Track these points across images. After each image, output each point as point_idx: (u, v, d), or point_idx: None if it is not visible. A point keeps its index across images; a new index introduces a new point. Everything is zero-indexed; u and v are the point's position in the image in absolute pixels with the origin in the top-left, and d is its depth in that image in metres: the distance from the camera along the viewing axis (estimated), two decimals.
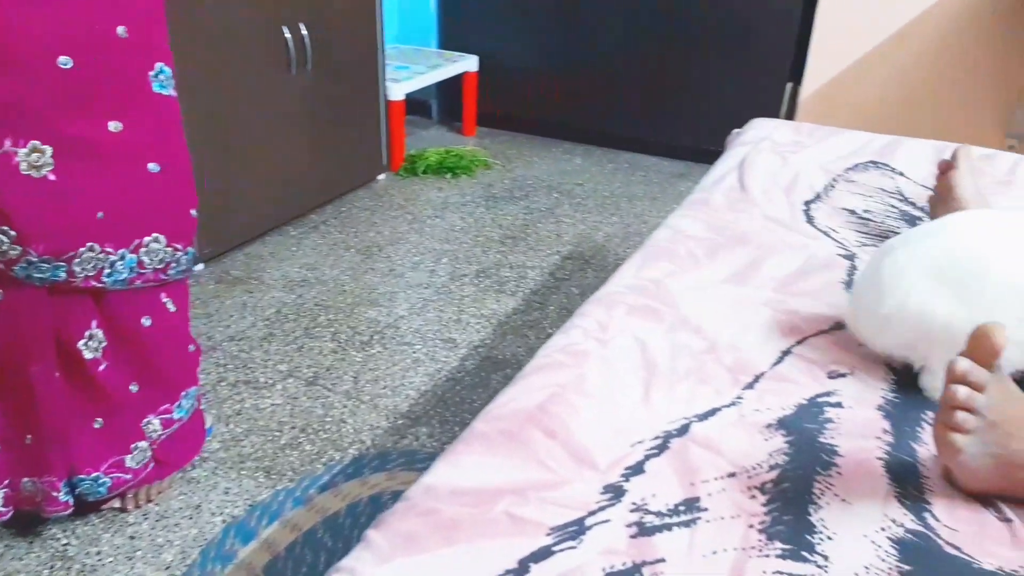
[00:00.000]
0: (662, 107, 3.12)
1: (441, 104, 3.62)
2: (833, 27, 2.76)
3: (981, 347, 0.79)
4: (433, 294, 2.19)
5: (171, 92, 1.31)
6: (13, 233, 1.13)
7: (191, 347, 1.49)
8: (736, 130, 1.96)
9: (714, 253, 1.34)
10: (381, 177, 2.95)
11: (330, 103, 2.58)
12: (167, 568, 1.33)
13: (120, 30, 1.19)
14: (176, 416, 1.45)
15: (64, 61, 1.12)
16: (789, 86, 2.94)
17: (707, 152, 3.07)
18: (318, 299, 2.15)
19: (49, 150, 1.14)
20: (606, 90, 3.19)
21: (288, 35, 2.32)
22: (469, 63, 3.28)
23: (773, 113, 2.90)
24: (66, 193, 1.17)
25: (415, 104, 3.57)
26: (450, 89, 3.41)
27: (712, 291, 1.23)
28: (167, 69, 1.29)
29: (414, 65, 3.15)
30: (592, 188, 2.91)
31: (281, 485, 1.50)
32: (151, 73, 1.26)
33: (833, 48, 2.79)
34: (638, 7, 3.02)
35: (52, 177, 1.15)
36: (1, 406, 1.26)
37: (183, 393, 1.46)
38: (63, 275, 1.21)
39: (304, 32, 2.36)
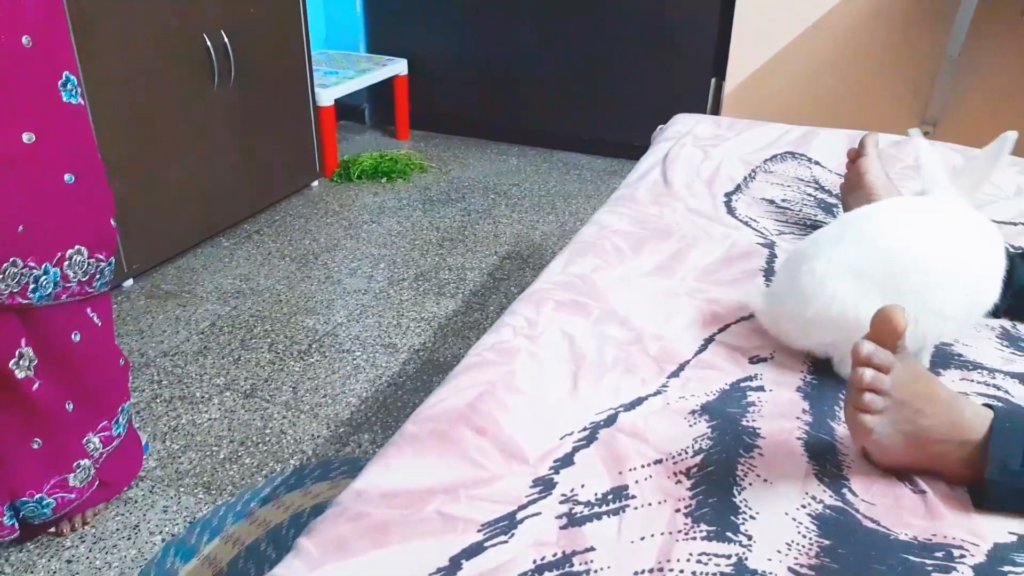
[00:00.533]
0: (592, 105, 3.17)
1: (373, 108, 3.60)
2: (752, 21, 2.85)
3: (883, 330, 0.83)
4: (372, 300, 2.18)
5: (80, 100, 1.28)
6: None
7: (121, 361, 1.46)
8: (660, 126, 2.00)
9: (639, 247, 1.37)
10: (315, 184, 2.93)
11: (258, 110, 2.54)
12: None
13: (24, 39, 1.16)
14: (115, 432, 1.42)
15: None
16: (713, 81, 3.01)
17: (638, 148, 3.12)
18: (253, 310, 2.12)
19: None
20: (537, 90, 3.22)
21: (209, 43, 2.28)
22: (399, 66, 3.27)
23: (699, 108, 2.97)
24: None
25: (347, 109, 3.55)
26: (382, 93, 3.40)
27: (637, 284, 1.26)
28: (74, 78, 1.27)
29: (343, 70, 3.13)
30: (528, 188, 2.94)
31: (221, 500, 1.48)
32: (59, 82, 1.24)
33: (753, 42, 2.88)
34: (562, 6, 3.06)
35: None
36: None
37: (119, 408, 1.44)
38: None
39: (226, 40, 2.33)
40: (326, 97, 2.86)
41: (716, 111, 3.04)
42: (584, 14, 3.04)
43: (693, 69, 2.99)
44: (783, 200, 1.55)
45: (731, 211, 1.50)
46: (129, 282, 2.21)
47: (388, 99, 3.38)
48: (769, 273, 1.29)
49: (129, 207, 2.07)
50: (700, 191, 1.58)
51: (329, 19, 3.50)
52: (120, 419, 1.44)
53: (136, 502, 1.48)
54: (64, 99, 1.24)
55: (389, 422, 1.70)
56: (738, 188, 1.60)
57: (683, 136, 1.82)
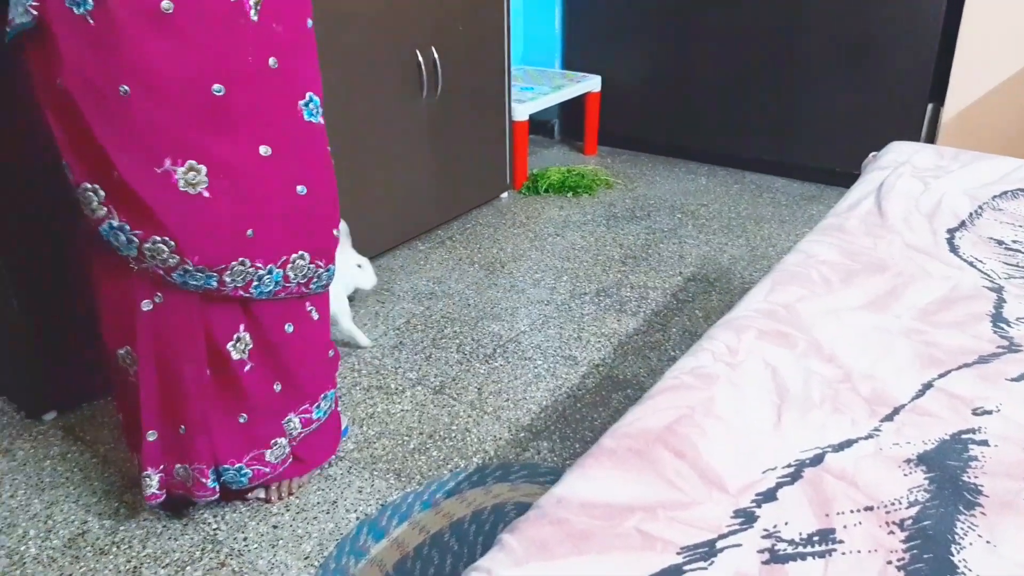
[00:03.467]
0: (791, 127, 3.05)
1: (563, 123, 3.67)
2: (978, 45, 2.62)
3: None
4: (554, 311, 2.23)
5: (319, 120, 1.40)
6: (173, 243, 1.25)
7: (330, 352, 1.59)
8: (873, 153, 1.90)
9: (849, 279, 1.31)
10: (504, 195, 3.03)
11: (457, 123, 2.68)
12: (306, 558, 1.42)
13: (271, 62, 1.29)
14: (315, 416, 1.55)
15: (217, 89, 1.23)
16: (930, 107, 2.81)
17: (839, 174, 2.97)
18: (444, 311, 2.23)
19: (204, 169, 1.25)
20: (732, 109, 3.15)
21: (420, 59, 2.43)
22: (592, 83, 3.32)
23: (912, 135, 2.77)
24: (219, 210, 1.28)
25: (537, 124, 3.65)
26: (572, 109, 3.46)
27: (847, 318, 1.21)
28: (316, 99, 1.39)
29: (538, 86, 3.22)
30: (717, 209, 2.88)
31: (410, 487, 1.57)
32: (301, 102, 1.36)
33: (978, 68, 2.65)
34: (766, 24, 2.97)
35: (206, 194, 1.26)
36: (159, 398, 1.39)
37: (322, 395, 1.56)
38: (215, 284, 1.32)
39: (435, 56, 2.47)
40: (521, 112, 2.96)
41: (931, 139, 2.83)
42: (783, 33, 2.94)
43: (907, 93, 2.79)
44: (1014, 241, 1.43)
45: (954, 249, 1.40)
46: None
47: (578, 115, 3.44)
48: (997, 319, 1.19)
49: (340, 209, 2.24)
50: (919, 225, 1.48)
51: (528, 36, 3.62)
52: (322, 404, 1.56)
53: (335, 480, 1.61)
54: (305, 118, 1.37)
55: (568, 432, 1.73)
56: (962, 225, 1.48)
57: (900, 165, 1.72)
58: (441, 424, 1.76)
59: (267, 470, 1.49)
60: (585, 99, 3.34)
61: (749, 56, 3.04)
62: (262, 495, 1.55)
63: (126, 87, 1.16)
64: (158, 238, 1.24)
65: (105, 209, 1.24)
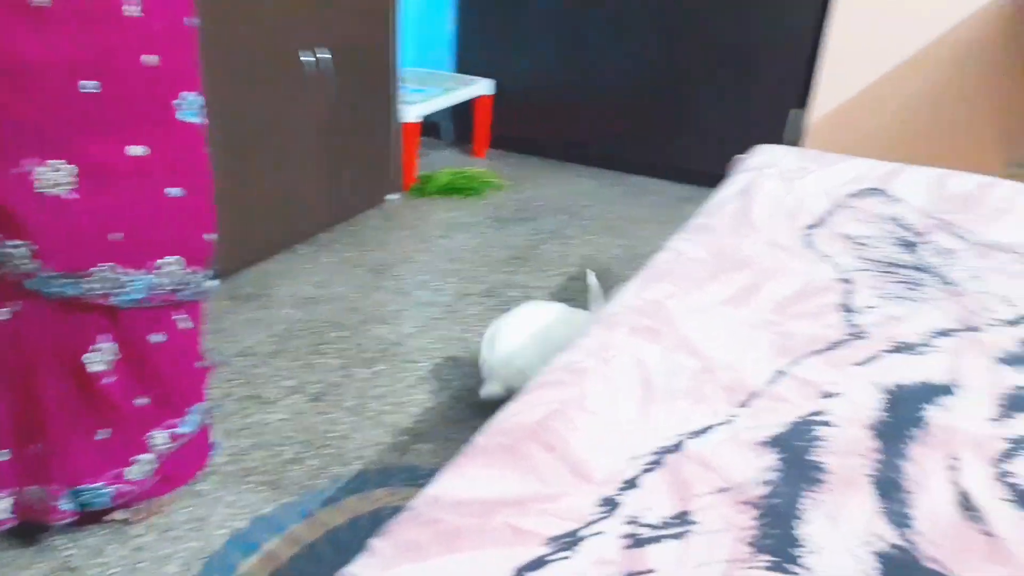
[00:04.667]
0: (670, 131, 3.17)
1: (455, 126, 3.67)
2: (841, 54, 2.80)
3: None
4: (440, 312, 2.22)
5: (197, 120, 1.34)
6: (33, 247, 1.17)
7: (201, 364, 1.52)
8: (739, 156, 1.99)
9: (715, 276, 1.37)
10: (392, 197, 3.00)
11: (344, 125, 2.63)
12: None
13: (146, 58, 1.23)
14: (182, 431, 1.47)
15: (87, 85, 1.16)
16: (797, 112, 2.98)
17: (714, 176, 3.09)
18: (327, 316, 2.18)
19: (72, 170, 1.18)
20: (615, 114, 3.24)
21: (307, 60, 2.37)
22: (484, 86, 3.33)
23: (779, 139, 2.93)
24: (85, 212, 1.21)
25: (429, 126, 3.63)
26: (463, 111, 3.46)
27: (711, 313, 1.26)
28: (196, 98, 1.33)
29: (429, 88, 3.20)
30: (599, 211, 2.95)
31: (285, 499, 1.52)
32: (177, 101, 1.30)
33: (841, 75, 2.83)
34: (648, 33, 3.07)
35: (72, 196, 1.19)
36: (11, 415, 1.29)
37: (190, 408, 1.48)
38: (73, 291, 1.24)
39: (323, 56, 2.42)
40: (411, 114, 2.94)
41: (798, 143, 3.00)
42: (664, 41, 3.05)
43: (776, 99, 2.96)
44: (863, 236, 1.52)
45: (810, 245, 1.49)
46: (213, 283, 2.30)
47: (469, 117, 3.45)
48: (846, 309, 1.27)
49: (219, 212, 2.15)
50: (781, 223, 1.56)
51: (421, 38, 3.59)
52: (190, 418, 1.48)
53: (204, 496, 1.53)
54: (178, 117, 1.31)
55: (450, 434, 1.72)
56: (819, 222, 1.58)
57: (766, 167, 1.81)
58: (319, 432, 1.72)
59: (130, 488, 1.41)
60: (476, 102, 3.35)
61: (632, 64, 3.14)
62: (121, 516, 1.46)
63: None
64: (13, 242, 1.16)
65: None
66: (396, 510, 1.44)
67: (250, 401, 1.82)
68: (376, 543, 0.83)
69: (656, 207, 3.00)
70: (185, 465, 1.51)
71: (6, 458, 1.30)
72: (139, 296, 1.31)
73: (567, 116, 3.36)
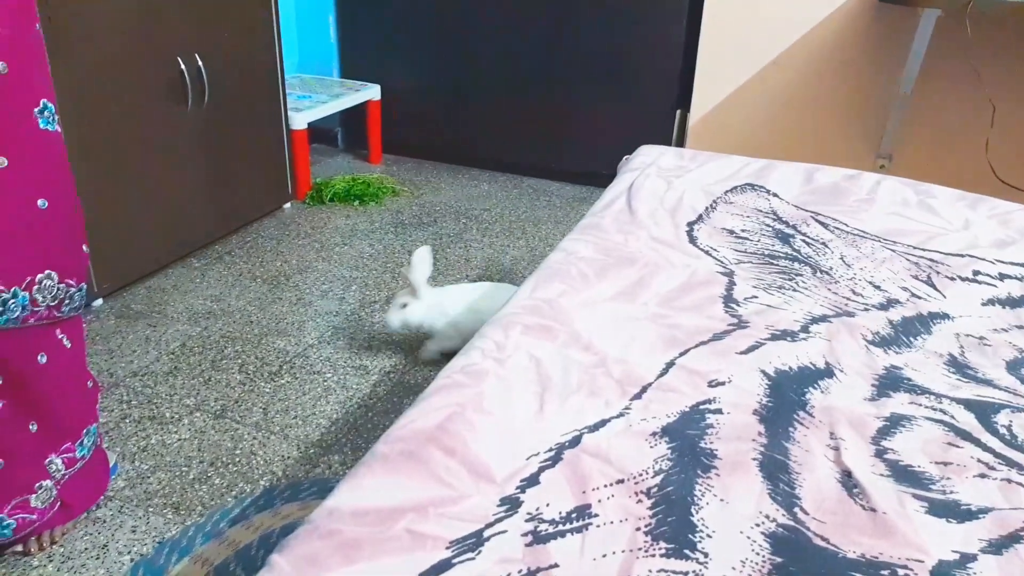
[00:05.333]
0: (561, 134, 3.24)
1: (346, 132, 3.64)
2: (715, 56, 2.94)
3: None
4: (343, 321, 2.20)
5: (56, 128, 1.30)
6: None
7: (89, 383, 1.46)
8: (626, 156, 2.07)
9: (604, 273, 1.42)
10: (287, 206, 2.95)
11: (231, 133, 2.56)
12: None
13: (0, 67, 1.18)
14: (79, 454, 1.42)
15: None
16: (678, 113, 3.10)
17: (605, 177, 3.19)
18: (224, 331, 2.13)
19: None
20: (506, 118, 3.29)
21: (183, 67, 2.30)
22: (371, 92, 3.32)
23: (665, 140, 3.05)
24: None
25: (320, 133, 3.58)
26: (355, 118, 3.43)
27: (601, 308, 1.31)
28: (51, 105, 1.28)
29: (316, 94, 3.16)
30: (498, 213, 2.99)
31: (191, 520, 1.48)
32: (36, 109, 1.25)
33: (716, 76, 2.98)
34: (533, 38, 3.13)
35: None
36: None
37: (84, 430, 1.43)
38: None
39: (200, 63, 2.35)
40: (299, 120, 2.89)
41: (681, 143, 3.13)
42: (551, 47, 3.12)
43: (658, 101, 3.07)
44: (742, 230, 1.62)
45: (693, 240, 1.56)
46: (99, 302, 2.21)
47: (361, 124, 3.42)
48: (728, 300, 1.34)
49: (100, 226, 2.07)
50: (663, 220, 1.64)
51: (303, 44, 3.54)
52: (85, 441, 1.44)
53: (104, 522, 1.48)
54: (40, 126, 1.26)
55: (360, 443, 1.71)
56: (700, 218, 1.66)
57: (648, 167, 1.88)
58: (224, 450, 1.68)
59: (33, 518, 1.34)
60: (366, 107, 3.33)
61: (519, 68, 3.19)
62: (20, 548, 1.40)
63: None
64: None
65: None
66: None
67: (149, 422, 1.76)
68: (275, 559, 0.83)
69: (553, 208, 3.07)
70: (83, 492, 1.46)
71: None
72: (19, 315, 1.25)
73: (458, 120, 3.38)
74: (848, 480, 0.96)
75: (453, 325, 1.96)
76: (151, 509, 1.51)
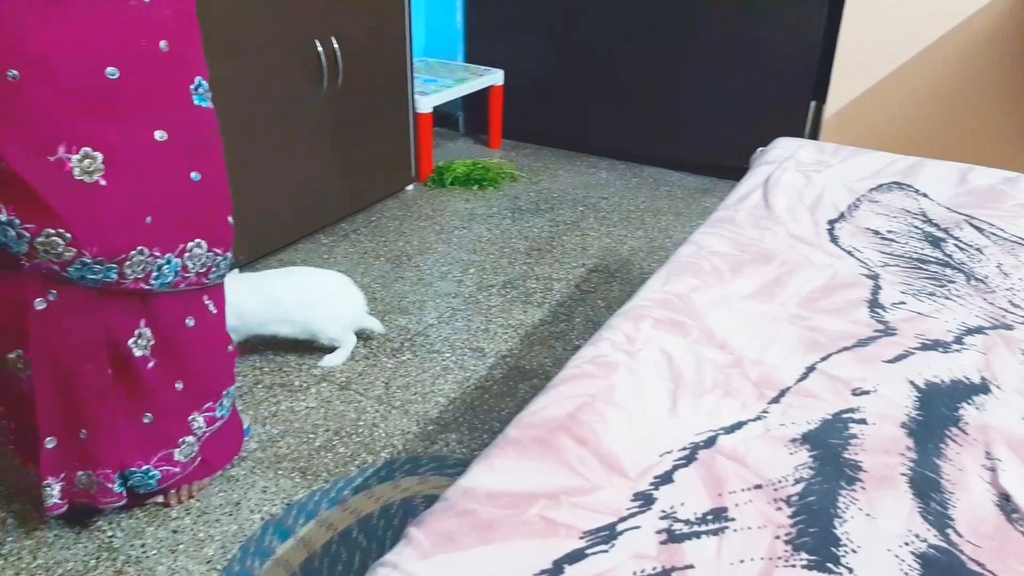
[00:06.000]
0: (686, 123, 3.16)
1: (468, 117, 3.68)
2: (857, 45, 2.79)
3: None
4: (461, 303, 2.24)
5: (209, 104, 1.37)
6: (68, 236, 1.19)
7: (229, 347, 1.55)
8: (761, 148, 1.99)
9: (739, 269, 1.38)
10: (409, 188, 3.01)
11: (360, 115, 2.64)
12: (208, 562, 1.38)
13: (162, 44, 1.25)
14: (219, 414, 1.51)
15: (111, 72, 1.18)
16: (813, 104, 2.97)
17: (730, 168, 3.10)
18: None
19: (100, 156, 1.20)
20: (630, 105, 3.24)
21: (320, 49, 2.39)
22: (495, 77, 3.34)
23: (797, 131, 2.92)
24: (117, 198, 1.23)
25: (442, 116, 3.64)
26: (476, 102, 3.47)
27: (737, 306, 1.27)
28: (205, 83, 1.36)
29: (441, 78, 3.21)
30: (617, 202, 2.96)
31: (316, 485, 1.55)
32: (191, 86, 1.32)
33: (857, 67, 2.82)
34: (661, 24, 3.06)
35: (103, 183, 1.21)
36: (57, 403, 1.32)
37: (224, 392, 1.52)
38: (114, 277, 1.26)
39: (336, 46, 2.43)
40: (425, 104, 2.94)
41: (815, 136, 2.99)
42: (679, 33, 3.04)
43: (792, 91, 2.94)
44: (888, 231, 1.53)
45: (834, 239, 1.49)
46: (235, 272, 2.33)
47: (483, 108, 3.45)
48: (874, 305, 1.28)
49: (237, 200, 2.16)
50: (802, 217, 1.57)
51: (430, 29, 3.60)
52: (224, 402, 1.52)
53: (238, 480, 1.57)
54: (195, 102, 1.33)
55: (476, 424, 1.74)
56: (842, 216, 1.58)
57: (785, 160, 1.81)
58: (347, 420, 1.75)
59: (176, 470, 1.44)
60: (488, 92, 3.36)
61: (646, 53, 3.13)
62: (161, 500, 1.50)
63: (15, 72, 1.10)
64: (52, 231, 1.18)
65: None
66: (426, 499, 1.49)
67: (279, 389, 1.85)
68: (413, 532, 0.85)
69: (674, 199, 3.00)
70: (222, 449, 1.55)
71: (52, 445, 1.33)
72: (172, 279, 1.34)
73: (580, 107, 3.35)
74: (1007, 504, 0.90)
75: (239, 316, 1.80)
76: (280, 472, 1.59)
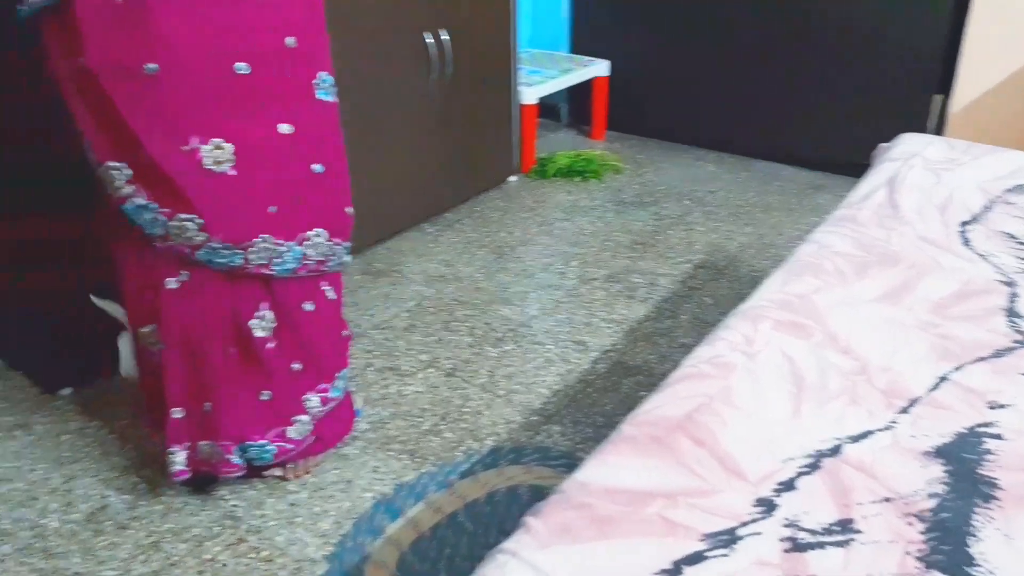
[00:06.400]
0: (799, 116, 3.05)
1: (571, 108, 3.67)
2: (988, 35, 2.62)
3: None
4: (564, 296, 2.25)
5: (333, 98, 1.42)
6: (199, 221, 1.27)
7: (344, 332, 1.61)
8: (883, 144, 1.91)
9: (863, 271, 1.33)
10: (512, 179, 3.03)
11: (466, 106, 2.67)
12: (323, 536, 1.45)
13: (289, 40, 1.30)
14: (332, 395, 1.57)
15: (241, 67, 1.24)
16: (937, 98, 2.81)
17: (845, 164, 2.98)
18: (455, 295, 2.25)
19: (230, 147, 1.27)
20: (740, 97, 3.15)
21: (429, 41, 2.43)
22: (600, 68, 3.31)
23: (918, 126, 2.77)
24: (244, 187, 1.30)
25: (545, 107, 3.64)
26: (580, 93, 3.45)
27: (862, 310, 1.22)
28: (329, 77, 1.40)
29: (546, 69, 3.21)
30: (724, 196, 2.89)
31: (424, 468, 1.60)
32: (315, 80, 1.37)
33: (987, 58, 2.65)
34: (774, 13, 2.96)
35: (232, 172, 1.28)
36: (185, 376, 1.41)
37: (338, 373, 1.58)
38: (239, 261, 1.33)
39: (445, 38, 2.46)
40: (529, 95, 2.95)
41: (938, 131, 2.84)
42: (792, 21, 2.93)
43: (914, 85, 2.79)
44: None
45: (966, 242, 1.42)
46: (347, 258, 2.41)
47: (586, 99, 3.43)
48: (1012, 313, 1.21)
49: (352, 190, 2.25)
50: (932, 218, 1.50)
51: (536, 19, 3.60)
52: (338, 383, 1.58)
53: (350, 459, 1.63)
54: (318, 96, 1.38)
55: (579, 417, 1.75)
56: (975, 218, 1.50)
57: (911, 157, 1.73)
58: (453, 406, 1.79)
59: (290, 447, 1.51)
60: (593, 83, 3.34)
61: (758, 44, 3.04)
62: (279, 473, 1.58)
63: (153, 65, 1.17)
64: (184, 216, 1.26)
65: (131, 188, 1.25)
66: (532, 488, 1.51)
67: (389, 372, 1.91)
68: (531, 521, 0.86)
69: (786, 194, 2.91)
70: (334, 429, 1.61)
71: (180, 415, 1.42)
72: (293, 266, 1.40)
73: (686, 97, 3.29)
74: None
75: None
76: (390, 453, 1.64)
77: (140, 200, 1.25)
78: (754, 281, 2.30)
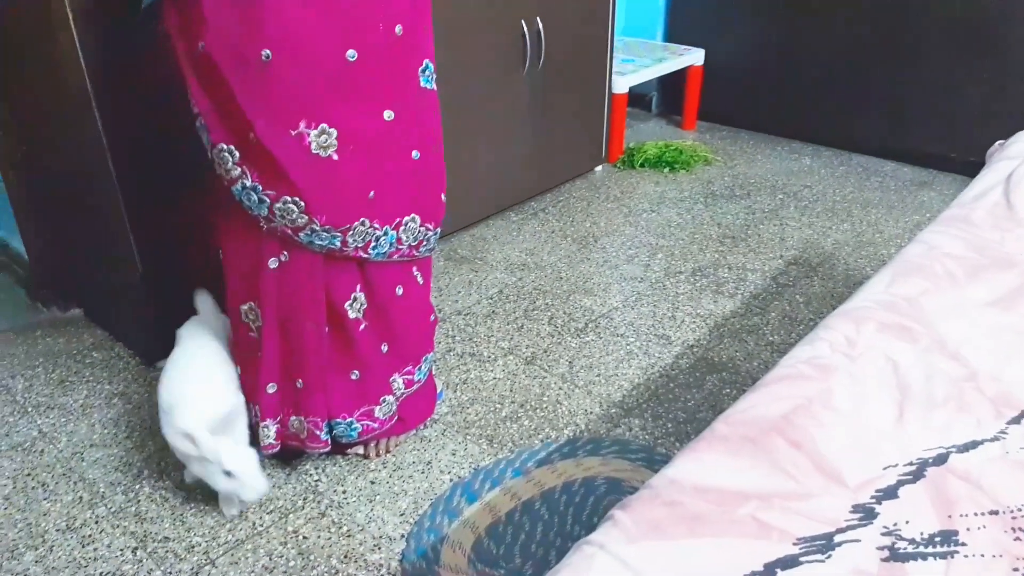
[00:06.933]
0: (904, 109, 2.90)
1: (662, 97, 3.60)
2: None
3: None
4: (647, 288, 2.21)
5: (433, 86, 1.43)
6: (303, 204, 1.30)
7: (431, 316, 1.63)
8: (1000, 141, 1.80)
9: (975, 274, 1.26)
10: (598, 168, 3.00)
11: (558, 95, 2.66)
12: (402, 514, 1.47)
13: (397, 28, 1.31)
14: (416, 378, 1.59)
15: (351, 55, 1.26)
16: None
17: (954, 161, 2.83)
18: (537, 283, 2.24)
19: (335, 133, 1.29)
20: (840, 88, 3.02)
21: (525, 29, 2.42)
22: (695, 57, 3.23)
23: None
24: (347, 172, 1.32)
25: (635, 96, 3.58)
26: (672, 82, 3.38)
27: (973, 315, 1.16)
28: (431, 65, 1.41)
29: (639, 58, 3.16)
30: (820, 191, 2.78)
31: (502, 454, 1.60)
32: (419, 68, 1.38)
33: None
34: (888, 3, 2.82)
35: (335, 157, 1.30)
36: (280, 353, 1.45)
37: (423, 357, 1.60)
38: (338, 244, 1.36)
39: (540, 26, 2.45)
40: (621, 84, 2.91)
41: None
42: (900, 9, 2.79)
43: None
44: None
45: None
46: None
47: (678, 88, 3.36)
48: None
49: None
50: None
51: (631, 6, 3.54)
52: (423, 367, 1.60)
53: (430, 441, 1.65)
54: (421, 84, 1.39)
55: (660, 412, 1.72)
56: None
57: None
58: (532, 394, 1.78)
59: (375, 426, 1.54)
60: (687, 72, 3.26)
61: (862, 33, 2.90)
62: (361, 451, 1.61)
63: (268, 52, 1.20)
64: (289, 198, 1.29)
65: (239, 169, 1.29)
66: (608, 480, 1.49)
67: (469, 358, 1.92)
68: (620, 515, 0.85)
69: (886, 191, 2.78)
70: (416, 410, 1.63)
71: (274, 391, 1.47)
72: (387, 250, 1.42)
73: (783, 88, 3.18)
74: None
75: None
76: (469, 437, 1.66)
77: (247, 182, 1.29)
78: (849, 280, 2.22)
